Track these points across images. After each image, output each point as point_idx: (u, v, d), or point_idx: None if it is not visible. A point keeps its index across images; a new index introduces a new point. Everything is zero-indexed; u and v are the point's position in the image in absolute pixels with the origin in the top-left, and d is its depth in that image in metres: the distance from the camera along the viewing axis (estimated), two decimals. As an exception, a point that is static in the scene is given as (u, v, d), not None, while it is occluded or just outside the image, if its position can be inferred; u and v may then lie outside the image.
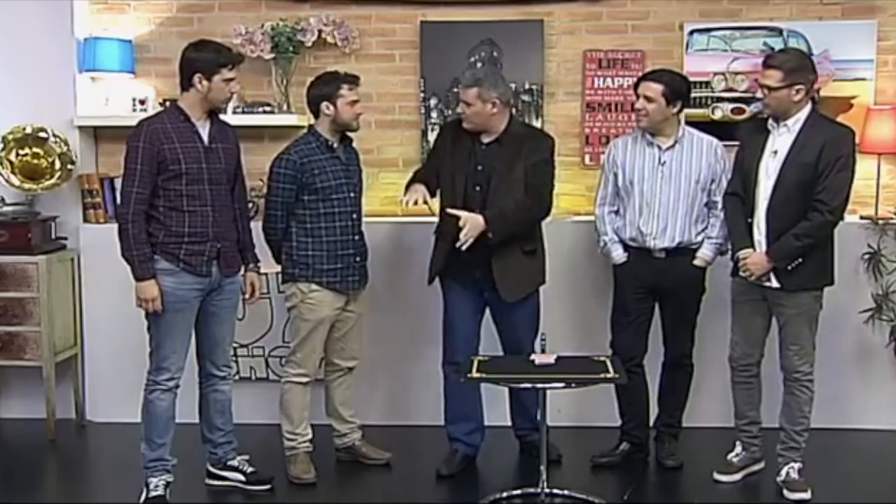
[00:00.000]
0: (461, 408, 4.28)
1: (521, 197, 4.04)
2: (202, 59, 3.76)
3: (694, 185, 4.10)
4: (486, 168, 4.08)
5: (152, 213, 3.73)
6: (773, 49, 4.78)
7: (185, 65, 3.78)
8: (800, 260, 3.79)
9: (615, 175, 4.20)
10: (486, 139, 4.10)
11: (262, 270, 4.19)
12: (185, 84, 3.79)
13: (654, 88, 4.03)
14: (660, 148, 4.12)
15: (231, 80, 3.81)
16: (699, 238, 4.15)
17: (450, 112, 4.94)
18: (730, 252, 4.04)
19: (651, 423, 4.41)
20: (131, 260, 3.71)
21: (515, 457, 4.42)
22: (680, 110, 4.13)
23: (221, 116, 4.01)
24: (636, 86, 4.12)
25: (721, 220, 4.09)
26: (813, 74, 3.82)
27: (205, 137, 3.82)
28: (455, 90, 4.92)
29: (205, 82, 3.75)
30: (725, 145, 4.19)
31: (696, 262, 4.14)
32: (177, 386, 3.85)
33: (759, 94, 3.88)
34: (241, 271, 4.03)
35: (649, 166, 4.13)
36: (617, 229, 4.23)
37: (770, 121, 3.89)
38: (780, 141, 3.83)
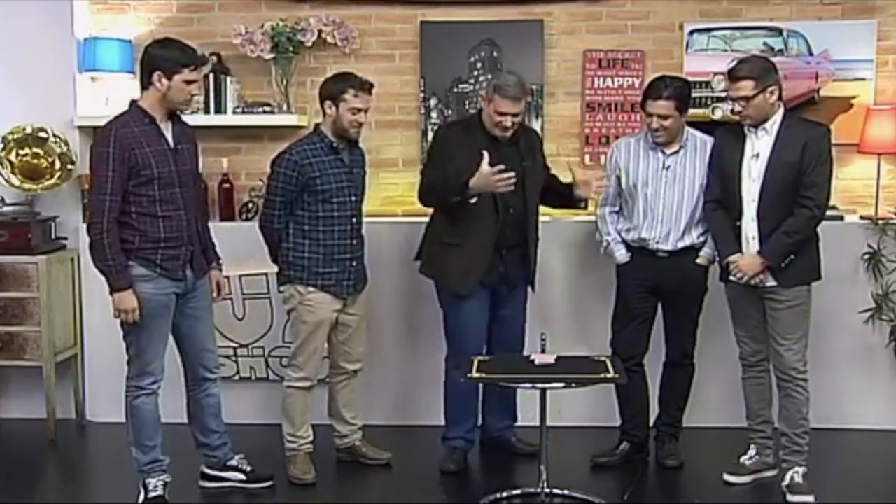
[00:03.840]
0: (464, 409, 4.28)
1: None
2: (164, 56, 3.64)
3: (698, 189, 4.09)
4: (512, 169, 3.98)
5: (124, 220, 3.62)
6: (772, 49, 4.79)
7: (146, 61, 3.67)
8: (792, 256, 3.80)
9: (618, 177, 4.20)
10: (503, 140, 4.07)
11: (262, 270, 4.18)
12: (145, 82, 3.67)
13: (667, 106, 4.00)
14: (664, 153, 4.12)
15: (192, 82, 3.68)
16: (701, 239, 4.15)
17: (450, 112, 4.95)
18: (717, 258, 4.03)
19: (651, 422, 4.41)
20: (107, 271, 3.61)
21: (515, 457, 4.41)
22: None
23: (199, 116, 3.94)
24: (644, 104, 4.08)
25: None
26: (777, 73, 3.83)
27: (170, 139, 3.72)
28: (455, 90, 4.94)
29: (164, 81, 3.63)
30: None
31: (698, 260, 4.15)
32: (159, 388, 3.81)
33: (735, 108, 3.83)
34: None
35: (653, 171, 4.12)
36: (620, 230, 4.23)
37: (746, 125, 3.88)
38: (760, 144, 3.84)
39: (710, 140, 4.13)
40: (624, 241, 4.22)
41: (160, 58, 3.65)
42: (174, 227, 3.71)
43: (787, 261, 3.81)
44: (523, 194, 4.08)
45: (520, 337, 4.32)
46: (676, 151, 4.11)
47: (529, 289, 4.32)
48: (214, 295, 4.02)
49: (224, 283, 4.07)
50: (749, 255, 3.85)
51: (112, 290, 3.64)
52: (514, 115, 4.01)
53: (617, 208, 4.26)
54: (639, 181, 4.13)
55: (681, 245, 4.12)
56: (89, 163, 3.68)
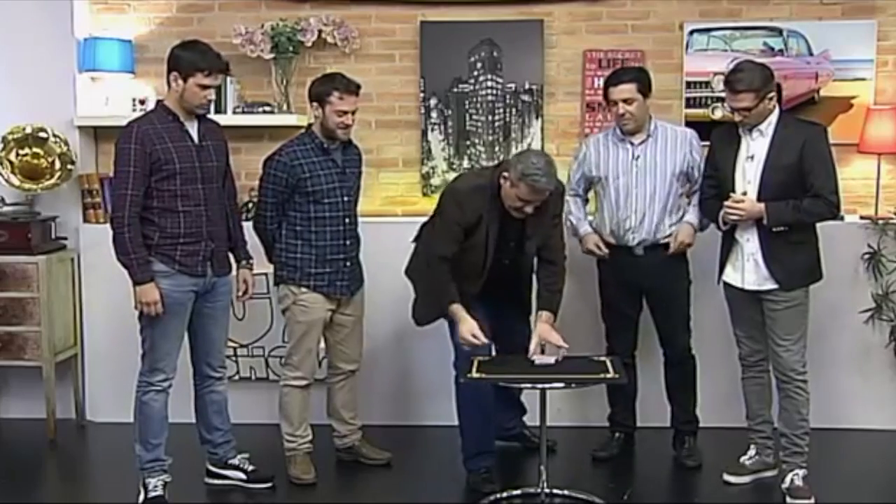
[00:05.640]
0: (484, 421, 4.08)
1: (555, 268, 4.05)
2: (182, 58, 3.71)
3: (670, 177, 4.15)
4: (516, 243, 3.97)
5: (146, 215, 3.69)
6: (772, 49, 4.79)
7: (169, 60, 3.74)
8: (783, 228, 3.76)
9: (588, 171, 4.26)
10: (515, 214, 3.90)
11: (261, 271, 4.18)
12: (168, 81, 3.76)
13: (630, 89, 4.08)
14: (633, 143, 4.16)
15: (208, 87, 3.72)
16: (674, 229, 4.19)
17: (449, 112, 4.95)
18: (717, 273, 4.03)
19: (669, 422, 4.43)
20: (129, 264, 3.67)
21: (515, 457, 4.41)
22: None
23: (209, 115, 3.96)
24: (606, 94, 4.14)
25: (695, 206, 4.16)
26: (774, 78, 3.83)
27: (195, 136, 3.78)
28: (455, 90, 4.94)
29: (180, 82, 3.69)
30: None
31: (673, 239, 4.16)
32: (170, 386, 3.84)
33: (736, 118, 3.81)
34: (233, 270, 4.00)
35: (623, 162, 4.17)
36: (596, 226, 4.29)
37: (740, 126, 3.87)
38: (756, 145, 3.83)
39: (682, 130, 4.22)
40: (600, 237, 4.26)
41: (179, 59, 3.71)
42: (193, 222, 3.75)
43: (779, 228, 3.76)
44: (521, 250, 4.00)
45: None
46: (644, 141, 4.16)
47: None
48: (240, 293, 4.04)
49: (252, 282, 4.10)
50: (751, 201, 3.79)
51: (134, 284, 3.68)
52: (539, 201, 3.82)
53: (582, 194, 4.33)
54: (610, 174, 4.18)
55: (656, 236, 4.15)
56: (113, 159, 3.73)
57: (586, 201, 4.38)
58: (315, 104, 4.01)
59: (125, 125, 3.75)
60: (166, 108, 3.76)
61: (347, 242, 4.11)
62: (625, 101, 4.07)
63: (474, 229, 3.90)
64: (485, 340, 3.85)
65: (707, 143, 4.12)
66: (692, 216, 4.18)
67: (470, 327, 3.84)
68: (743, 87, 3.74)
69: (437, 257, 3.95)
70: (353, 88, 4.01)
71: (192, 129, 3.79)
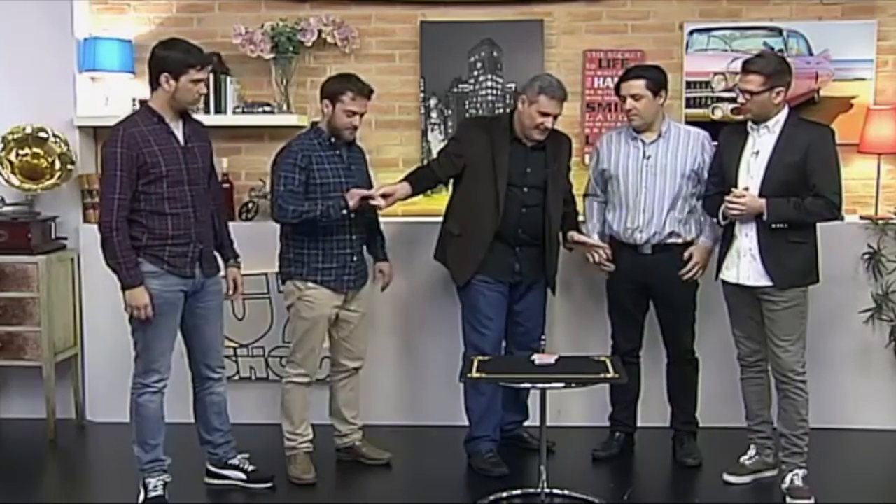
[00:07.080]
0: (489, 409, 4.22)
1: (572, 205, 4.34)
2: (170, 57, 3.68)
3: (680, 178, 4.14)
4: (535, 171, 4.13)
5: (134, 218, 3.68)
6: (772, 49, 4.79)
7: (153, 63, 3.71)
8: (784, 225, 3.77)
9: (603, 170, 4.26)
10: (529, 143, 4.13)
11: (260, 271, 4.17)
12: (154, 83, 3.72)
13: (638, 85, 4.08)
14: (644, 142, 4.16)
15: (200, 81, 3.72)
16: (684, 230, 4.17)
17: (450, 112, 4.95)
18: (715, 267, 4.03)
19: (668, 423, 4.43)
20: (118, 268, 3.66)
21: (515, 457, 4.41)
22: (663, 102, 4.16)
23: (199, 115, 3.96)
24: (617, 89, 4.16)
25: (712, 225, 4.13)
26: (790, 76, 3.83)
27: (180, 138, 3.76)
28: (455, 90, 4.94)
29: (172, 82, 3.67)
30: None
31: (689, 259, 4.15)
32: (165, 387, 3.83)
33: (740, 100, 3.87)
34: (222, 271, 4.00)
35: (634, 161, 4.17)
36: (607, 221, 4.28)
37: (749, 122, 3.89)
38: (762, 141, 3.84)
39: (694, 131, 4.20)
40: (611, 237, 4.26)
41: (166, 59, 3.69)
42: (182, 224, 3.74)
43: (778, 225, 3.76)
44: (543, 196, 4.13)
45: (536, 337, 4.28)
46: (656, 140, 4.15)
47: (550, 291, 4.34)
48: (230, 292, 4.04)
49: (241, 280, 4.09)
50: (752, 196, 3.80)
51: (123, 288, 3.67)
52: (556, 116, 4.08)
53: (601, 198, 4.32)
54: (619, 171, 4.19)
55: (664, 236, 4.15)
56: (101, 163, 3.71)
57: (604, 203, 4.33)
58: (326, 101, 4.03)
59: (112, 128, 3.71)
60: (151, 110, 3.73)
61: (353, 237, 4.12)
62: (632, 96, 4.08)
63: (478, 152, 4.09)
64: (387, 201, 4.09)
65: (717, 143, 4.13)
66: (707, 237, 4.16)
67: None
68: (755, 68, 3.77)
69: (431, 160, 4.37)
70: (366, 92, 4.05)
71: (178, 130, 3.76)
